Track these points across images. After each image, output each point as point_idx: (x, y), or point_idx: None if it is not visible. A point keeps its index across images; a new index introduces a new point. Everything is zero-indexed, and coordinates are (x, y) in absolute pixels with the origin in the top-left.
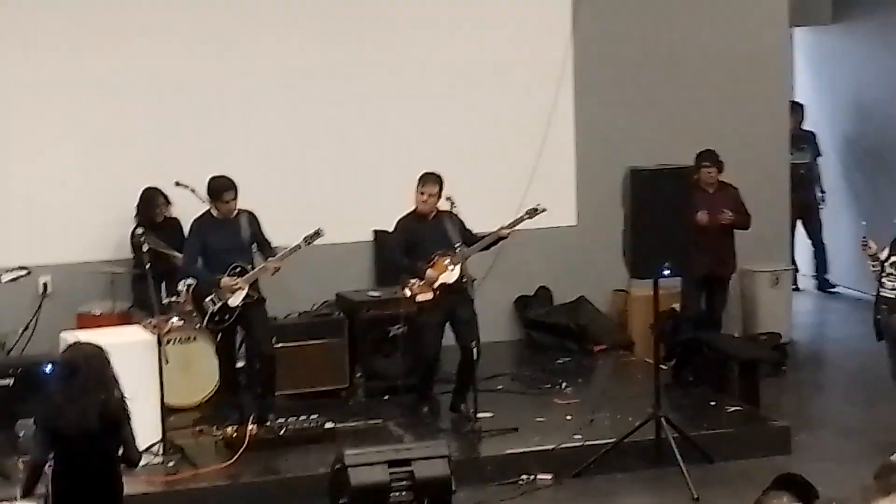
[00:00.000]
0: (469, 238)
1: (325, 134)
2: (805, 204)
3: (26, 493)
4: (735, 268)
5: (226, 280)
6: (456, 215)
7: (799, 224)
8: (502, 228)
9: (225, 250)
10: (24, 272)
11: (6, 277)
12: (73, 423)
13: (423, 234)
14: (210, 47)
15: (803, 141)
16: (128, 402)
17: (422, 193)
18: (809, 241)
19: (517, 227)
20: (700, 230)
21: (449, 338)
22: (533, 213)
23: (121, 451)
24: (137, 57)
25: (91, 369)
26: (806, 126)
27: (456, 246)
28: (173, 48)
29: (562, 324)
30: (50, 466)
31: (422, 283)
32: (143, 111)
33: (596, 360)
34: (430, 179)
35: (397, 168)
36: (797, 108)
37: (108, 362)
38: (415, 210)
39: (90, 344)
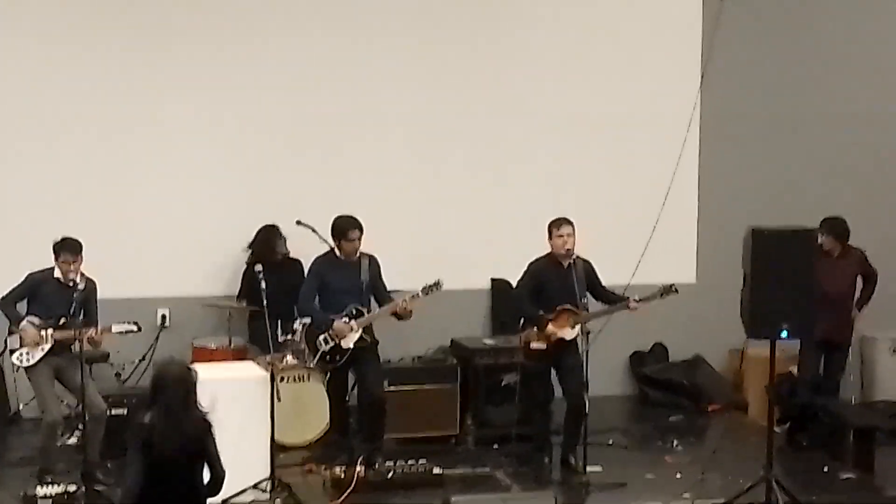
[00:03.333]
0: (597, 289)
1: (448, 181)
2: None
3: None
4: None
5: (339, 324)
6: (590, 263)
7: None
8: (633, 300)
9: (343, 291)
10: (134, 328)
11: (117, 329)
12: (164, 442)
13: (553, 281)
14: (335, 88)
15: None
16: (212, 421)
17: (560, 236)
18: None
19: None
20: (821, 294)
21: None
22: (667, 292)
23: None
24: (262, 96)
25: (177, 390)
26: None
27: (583, 301)
28: (297, 89)
29: (676, 381)
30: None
31: (540, 334)
32: (267, 150)
33: (709, 419)
34: (566, 221)
35: (519, 217)
36: None
37: (195, 383)
38: (549, 254)
39: (178, 364)
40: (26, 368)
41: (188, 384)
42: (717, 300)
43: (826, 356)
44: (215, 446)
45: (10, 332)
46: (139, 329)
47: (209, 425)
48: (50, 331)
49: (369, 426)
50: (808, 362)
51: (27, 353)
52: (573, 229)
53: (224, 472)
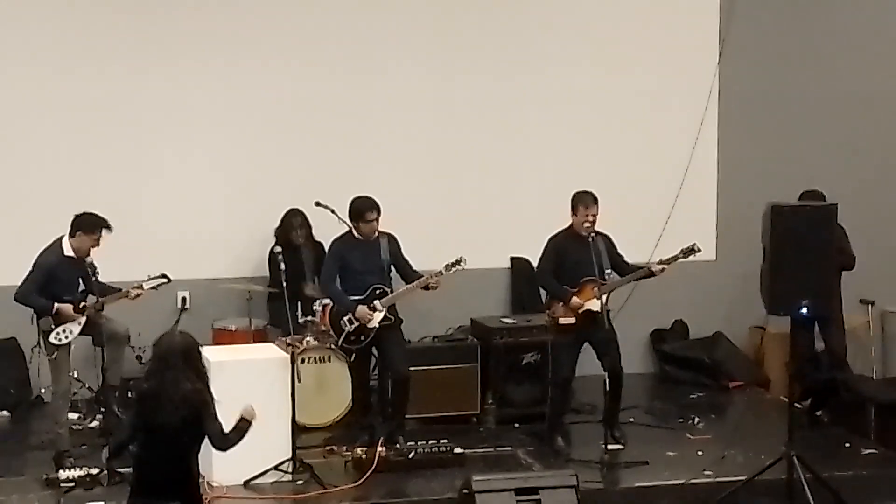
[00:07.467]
0: (619, 263)
1: (467, 160)
2: None
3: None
4: (840, 306)
5: (361, 310)
6: (609, 237)
7: None
8: (656, 264)
9: (364, 271)
10: (164, 280)
11: (148, 285)
12: (158, 415)
13: (575, 254)
14: (354, 72)
15: None
16: (212, 393)
17: (587, 215)
18: None
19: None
20: None
21: (583, 367)
22: (689, 252)
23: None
24: (281, 80)
25: (177, 363)
26: None
27: (607, 272)
28: (317, 73)
29: (697, 358)
30: (134, 448)
31: (567, 308)
32: (286, 132)
33: (730, 396)
34: (595, 200)
35: (537, 196)
36: None
37: (198, 355)
38: (569, 227)
39: (181, 334)
40: (60, 346)
41: (188, 354)
42: (738, 277)
43: (822, 333)
44: (215, 420)
45: (40, 316)
46: (169, 280)
47: (206, 398)
48: (82, 304)
49: (392, 404)
50: (797, 339)
51: (64, 331)
52: (598, 209)
53: (225, 447)
